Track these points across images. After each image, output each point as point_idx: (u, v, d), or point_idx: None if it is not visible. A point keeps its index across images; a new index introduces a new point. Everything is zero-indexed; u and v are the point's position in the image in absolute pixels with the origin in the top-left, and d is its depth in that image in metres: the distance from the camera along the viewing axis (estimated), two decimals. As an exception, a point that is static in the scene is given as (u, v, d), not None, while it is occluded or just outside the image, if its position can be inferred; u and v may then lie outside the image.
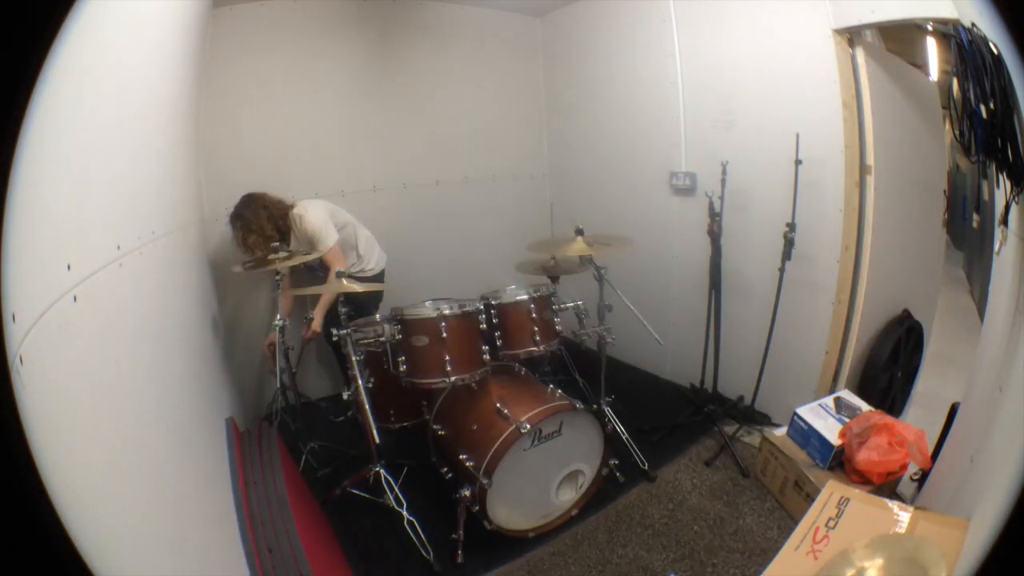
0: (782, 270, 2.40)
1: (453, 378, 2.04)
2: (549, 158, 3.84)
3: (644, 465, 2.41)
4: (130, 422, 0.92)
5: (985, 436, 1.22)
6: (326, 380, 3.23)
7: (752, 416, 2.62)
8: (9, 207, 0.59)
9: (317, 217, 2.51)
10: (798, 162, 2.31)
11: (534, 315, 2.23)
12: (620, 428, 2.50)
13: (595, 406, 2.54)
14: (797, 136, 2.29)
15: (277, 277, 2.41)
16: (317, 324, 2.53)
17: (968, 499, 1.18)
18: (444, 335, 2.03)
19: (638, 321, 2.63)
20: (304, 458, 2.45)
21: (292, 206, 2.53)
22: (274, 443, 2.01)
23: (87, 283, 0.80)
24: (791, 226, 2.34)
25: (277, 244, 2.34)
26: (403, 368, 2.07)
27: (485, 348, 2.14)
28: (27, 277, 0.63)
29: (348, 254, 2.70)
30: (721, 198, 2.53)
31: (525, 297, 2.25)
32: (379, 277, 2.82)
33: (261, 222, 2.42)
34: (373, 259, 2.81)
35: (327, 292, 2.39)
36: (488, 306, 2.21)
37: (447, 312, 2.05)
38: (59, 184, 0.76)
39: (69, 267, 0.75)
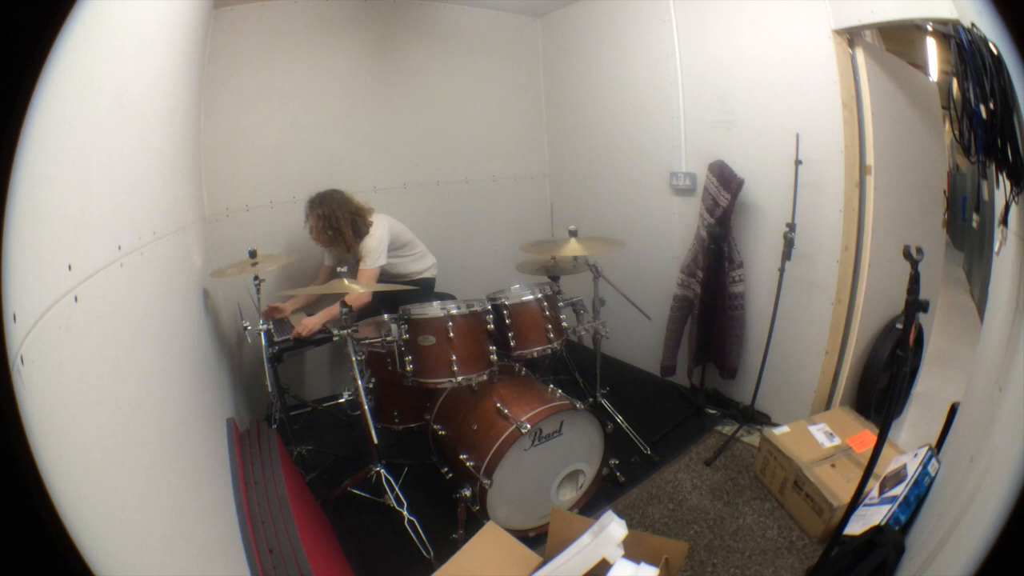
0: (782, 270, 2.40)
1: (460, 378, 2.04)
2: (549, 158, 3.84)
3: (647, 450, 2.43)
4: (131, 422, 0.92)
5: (985, 436, 1.22)
6: (325, 383, 3.23)
7: (752, 416, 2.62)
8: (10, 207, 0.59)
9: (376, 238, 2.65)
10: (798, 162, 2.31)
11: (547, 313, 2.25)
12: (620, 418, 2.53)
13: (591, 399, 2.58)
14: (797, 136, 2.29)
15: (257, 281, 2.40)
16: (312, 325, 2.49)
17: (968, 499, 1.18)
18: (451, 335, 2.03)
19: (638, 322, 2.67)
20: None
21: (371, 213, 2.67)
22: (274, 443, 2.01)
23: (88, 283, 0.80)
24: (791, 226, 2.34)
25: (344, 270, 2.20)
26: (409, 368, 2.07)
27: (492, 348, 2.14)
28: (28, 277, 0.63)
29: (410, 262, 2.90)
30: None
31: (538, 296, 2.26)
32: (428, 282, 2.97)
33: (340, 221, 2.55)
34: (421, 263, 2.95)
35: (327, 292, 2.39)
36: (497, 306, 2.22)
37: (455, 312, 2.06)
38: (60, 184, 0.76)
39: (70, 267, 0.75)
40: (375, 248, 2.64)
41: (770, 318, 2.50)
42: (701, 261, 2.68)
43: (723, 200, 2.54)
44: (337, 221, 2.54)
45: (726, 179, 2.54)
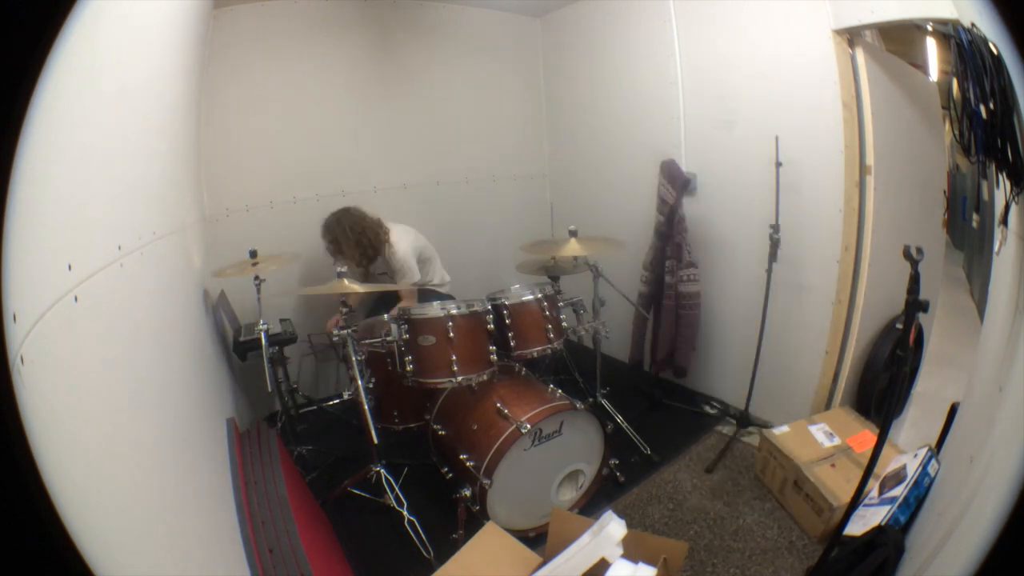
0: (769, 271, 2.41)
1: (460, 378, 2.04)
2: (549, 158, 3.84)
3: (647, 450, 2.43)
4: (131, 422, 0.92)
5: (985, 436, 1.22)
6: (327, 382, 3.23)
7: (748, 420, 2.61)
8: (10, 207, 0.59)
9: (406, 254, 2.68)
10: (778, 164, 2.32)
11: (547, 313, 2.25)
12: (620, 418, 2.53)
13: (591, 399, 2.58)
14: (776, 139, 2.30)
15: (257, 281, 2.39)
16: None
17: (968, 499, 1.18)
18: (451, 335, 2.03)
19: (638, 321, 2.66)
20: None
21: (387, 232, 2.67)
22: (274, 443, 2.01)
23: (88, 283, 0.80)
24: (775, 227, 2.35)
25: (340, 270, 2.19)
26: (410, 368, 2.07)
27: (492, 348, 2.14)
28: (28, 277, 0.63)
29: (432, 275, 2.91)
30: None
31: (538, 296, 2.26)
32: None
33: (349, 243, 2.58)
34: (440, 277, 2.98)
35: (326, 292, 2.39)
36: (497, 306, 2.21)
37: (455, 312, 2.06)
38: (60, 184, 0.76)
39: (70, 267, 0.75)
40: (404, 266, 2.67)
41: (768, 319, 2.50)
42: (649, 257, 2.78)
43: (670, 197, 2.57)
44: (351, 244, 2.57)
45: (673, 176, 2.58)
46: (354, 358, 2.01)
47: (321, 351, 3.01)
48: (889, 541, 1.50)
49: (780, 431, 2.22)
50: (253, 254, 2.30)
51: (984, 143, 1.15)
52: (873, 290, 2.32)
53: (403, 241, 2.70)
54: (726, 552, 1.92)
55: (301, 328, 2.76)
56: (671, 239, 2.65)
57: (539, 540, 2.02)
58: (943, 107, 2.61)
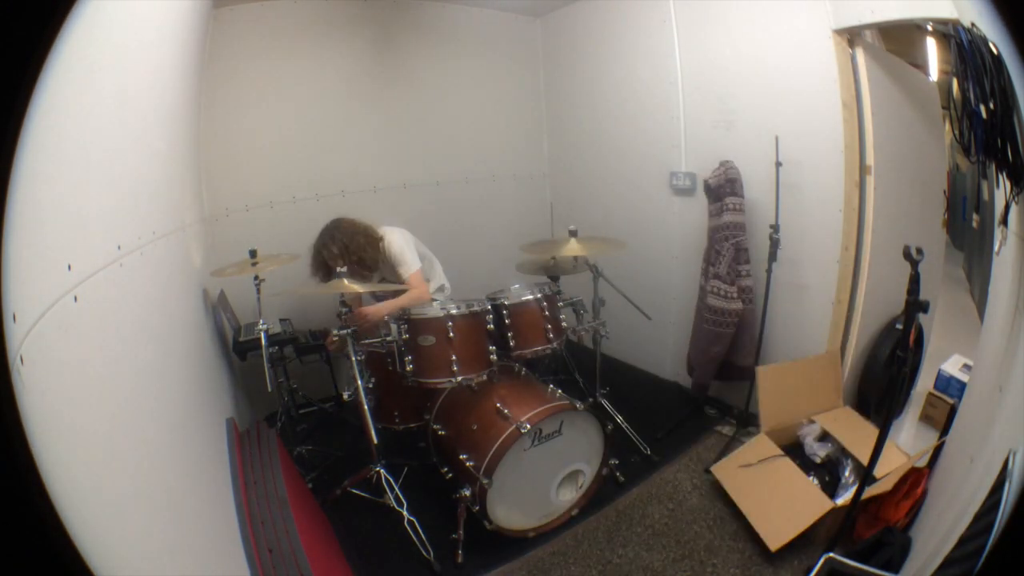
0: (769, 271, 2.41)
1: (459, 378, 2.04)
2: (549, 158, 3.84)
3: (647, 450, 2.43)
4: (131, 422, 0.92)
5: (985, 436, 1.22)
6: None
7: (748, 419, 2.61)
8: (10, 207, 0.59)
9: (397, 242, 2.47)
10: (778, 164, 2.32)
11: (546, 313, 2.24)
12: (620, 418, 2.53)
13: (591, 399, 2.57)
14: (776, 139, 2.31)
15: (257, 281, 2.38)
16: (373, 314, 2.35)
17: (968, 499, 1.18)
18: (451, 335, 2.03)
19: (638, 322, 2.66)
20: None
21: (380, 237, 2.48)
22: (274, 443, 2.01)
23: (88, 283, 0.80)
24: (775, 227, 2.35)
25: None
26: (409, 368, 2.07)
27: (492, 348, 2.14)
28: (27, 277, 0.63)
29: (431, 277, 2.68)
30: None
31: (538, 296, 2.25)
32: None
33: (361, 249, 2.36)
34: (439, 282, 2.77)
35: (325, 292, 2.39)
36: (497, 306, 2.21)
37: (454, 312, 2.06)
38: (60, 184, 0.75)
39: (70, 267, 0.75)
40: (401, 252, 2.46)
41: (762, 319, 2.50)
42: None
43: (711, 207, 2.54)
44: (358, 249, 2.37)
45: (708, 188, 2.54)
46: (354, 358, 2.01)
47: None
48: (896, 541, 1.50)
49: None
50: (253, 254, 2.30)
51: (984, 143, 1.15)
52: (873, 290, 2.32)
53: (395, 235, 2.52)
54: (726, 552, 1.92)
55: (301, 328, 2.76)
56: (712, 245, 2.55)
57: (539, 540, 2.02)
58: (943, 107, 2.61)
